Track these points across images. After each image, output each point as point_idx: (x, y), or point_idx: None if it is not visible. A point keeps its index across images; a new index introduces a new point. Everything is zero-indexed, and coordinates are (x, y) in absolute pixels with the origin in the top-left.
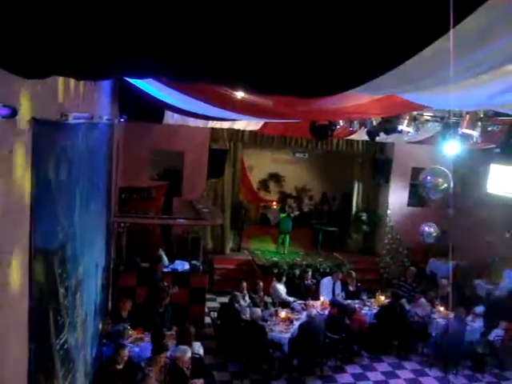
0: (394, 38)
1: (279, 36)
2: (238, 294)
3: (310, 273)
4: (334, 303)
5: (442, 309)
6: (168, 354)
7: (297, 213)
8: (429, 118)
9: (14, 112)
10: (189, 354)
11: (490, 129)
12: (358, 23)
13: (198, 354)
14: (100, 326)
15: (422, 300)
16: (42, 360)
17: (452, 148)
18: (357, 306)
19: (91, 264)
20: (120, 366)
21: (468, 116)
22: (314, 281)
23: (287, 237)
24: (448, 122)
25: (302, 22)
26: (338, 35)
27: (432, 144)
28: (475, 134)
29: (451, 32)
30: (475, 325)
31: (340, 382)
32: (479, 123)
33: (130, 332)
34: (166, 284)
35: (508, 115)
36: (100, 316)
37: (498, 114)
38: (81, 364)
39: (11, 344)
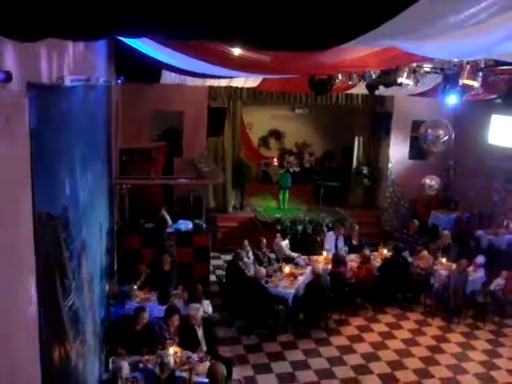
0: None
1: None
2: (241, 251)
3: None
4: (336, 258)
5: (443, 260)
6: None
7: (297, 169)
8: (428, 69)
9: (8, 77)
10: (201, 312)
11: (491, 79)
12: None
13: (206, 313)
14: (106, 287)
15: (424, 252)
16: (52, 322)
17: (452, 99)
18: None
19: (95, 227)
20: (139, 327)
21: (468, 66)
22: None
23: (286, 192)
24: (448, 74)
25: None
26: None
27: (432, 96)
28: (476, 84)
29: None
30: (477, 275)
31: (345, 335)
32: (480, 73)
33: (137, 292)
34: (171, 244)
35: (509, 64)
36: (106, 278)
37: (498, 64)
38: (90, 325)
39: (22, 309)
